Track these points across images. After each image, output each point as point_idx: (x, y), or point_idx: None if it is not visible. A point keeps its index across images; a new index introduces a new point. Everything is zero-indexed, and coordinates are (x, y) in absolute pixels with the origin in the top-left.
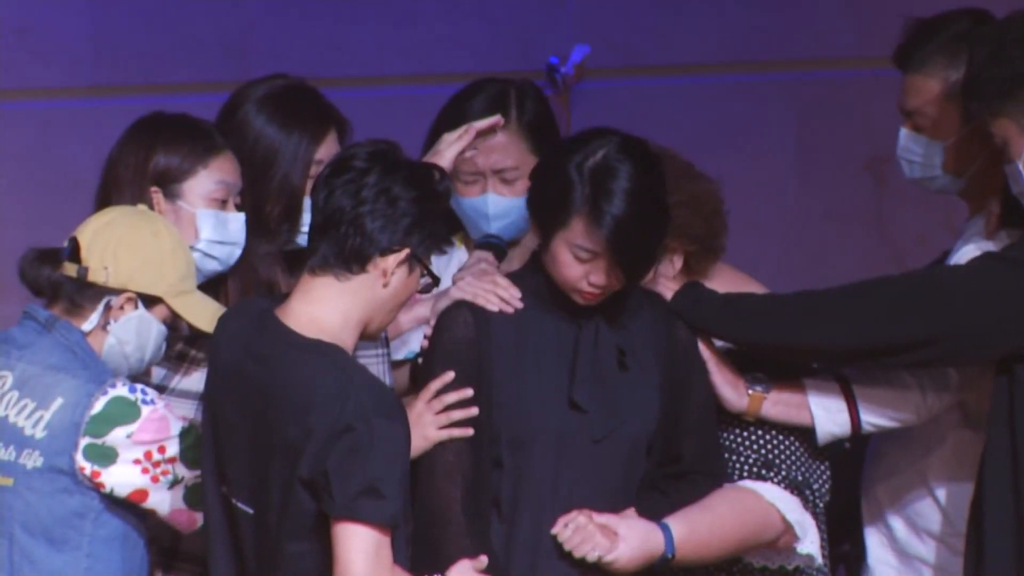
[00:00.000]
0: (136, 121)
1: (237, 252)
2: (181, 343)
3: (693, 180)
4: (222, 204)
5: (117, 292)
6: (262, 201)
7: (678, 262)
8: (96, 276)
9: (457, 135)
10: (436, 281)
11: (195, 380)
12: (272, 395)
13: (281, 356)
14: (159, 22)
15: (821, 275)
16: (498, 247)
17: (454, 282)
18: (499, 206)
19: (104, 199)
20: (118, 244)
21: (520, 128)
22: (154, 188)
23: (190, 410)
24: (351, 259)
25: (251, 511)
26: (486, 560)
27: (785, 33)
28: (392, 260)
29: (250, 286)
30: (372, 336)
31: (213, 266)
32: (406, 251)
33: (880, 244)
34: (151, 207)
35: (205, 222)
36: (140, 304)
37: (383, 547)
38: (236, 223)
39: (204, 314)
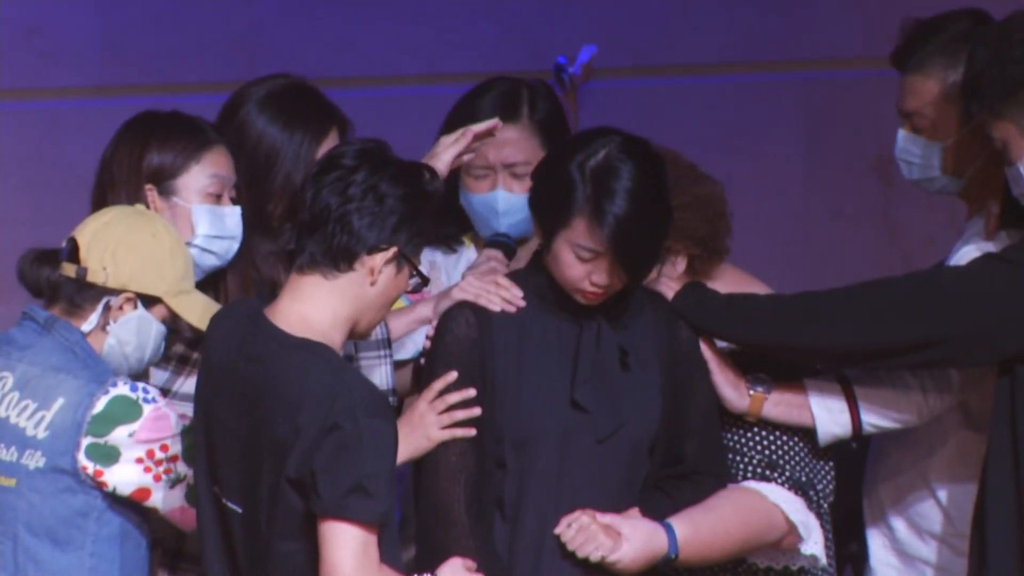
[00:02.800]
0: (128, 121)
1: (235, 246)
2: (182, 346)
3: (696, 182)
4: (217, 198)
5: (116, 292)
6: (264, 201)
7: (681, 264)
8: (95, 277)
9: (454, 138)
10: (425, 281)
11: None
12: (263, 394)
13: (272, 355)
14: (167, 22)
15: (828, 275)
16: (507, 246)
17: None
18: (509, 202)
19: (100, 199)
20: (117, 245)
21: (532, 124)
22: (149, 186)
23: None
24: (338, 257)
25: (240, 510)
26: (474, 563)
27: (792, 34)
28: (379, 258)
29: (249, 282)
30: (360, 335)
31: (211, 261)
32: (394, 249)
33: (887, 244)
34: (147, 205)
35: (201, 217)
36: (139, 304)
37: (370, 545)
38: (232, 217)
39: (203, 314)
